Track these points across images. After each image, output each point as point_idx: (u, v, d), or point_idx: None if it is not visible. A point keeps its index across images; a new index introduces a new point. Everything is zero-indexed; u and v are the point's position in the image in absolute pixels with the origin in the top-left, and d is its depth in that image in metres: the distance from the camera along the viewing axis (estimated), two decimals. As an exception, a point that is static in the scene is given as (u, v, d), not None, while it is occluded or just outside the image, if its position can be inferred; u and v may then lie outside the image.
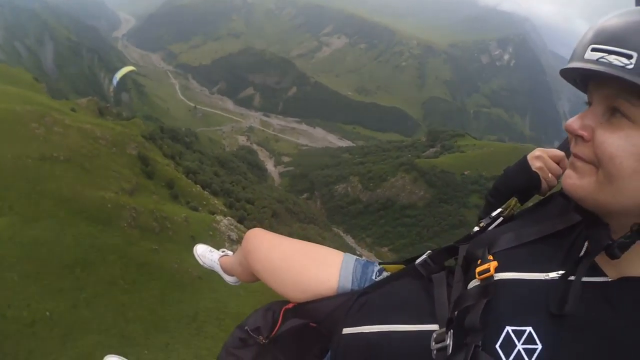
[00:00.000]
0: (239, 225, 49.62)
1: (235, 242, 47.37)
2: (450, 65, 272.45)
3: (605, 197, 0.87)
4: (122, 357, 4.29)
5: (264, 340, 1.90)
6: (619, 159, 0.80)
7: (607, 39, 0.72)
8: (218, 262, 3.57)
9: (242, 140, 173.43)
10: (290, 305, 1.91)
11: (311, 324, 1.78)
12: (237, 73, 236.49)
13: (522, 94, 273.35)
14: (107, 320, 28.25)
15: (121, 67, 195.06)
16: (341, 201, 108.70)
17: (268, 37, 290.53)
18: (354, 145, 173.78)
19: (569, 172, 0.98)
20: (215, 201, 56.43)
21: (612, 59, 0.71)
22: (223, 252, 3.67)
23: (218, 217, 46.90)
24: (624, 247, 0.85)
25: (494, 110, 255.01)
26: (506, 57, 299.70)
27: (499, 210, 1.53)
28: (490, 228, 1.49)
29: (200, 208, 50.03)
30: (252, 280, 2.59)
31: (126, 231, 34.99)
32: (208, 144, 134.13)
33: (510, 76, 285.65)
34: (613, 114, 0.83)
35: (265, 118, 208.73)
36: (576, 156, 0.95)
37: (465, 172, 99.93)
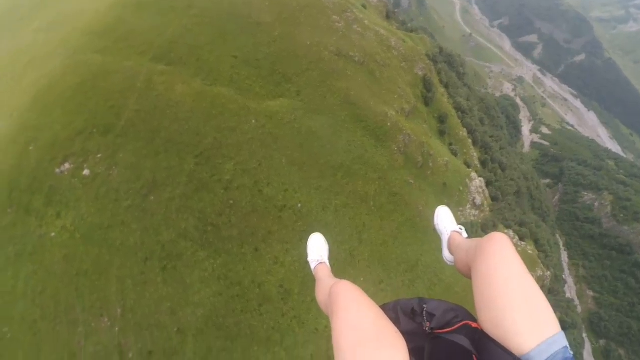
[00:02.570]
0: (485, 190, 45.93)
1: (476, 208, 44.14)
2: None
3: None
4: (324, 240, 4.22)
5: (426, 328, 1.90)
6: None
7: None
8: (449, 234, 3.42)
9: (507, 88, 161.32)
10: (474, 325, 1.81)
11: (475, 356, 1.67)
12: (526, 14, 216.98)
13: None
14: (345, 233, 28.35)
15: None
16: (580, 212, 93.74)
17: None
18: (624, 155, 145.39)
19: None
20: (474, 153, 53.25)
21: None
22: (460, 229, 3.46)
23: (473, 174, 43.92)
24: None
25: None
26: None
27: None
28: None
29: (458, 154, 47.34)
30: (463, 273, 2.45)
31: (394, 155, 34.51)
32: (473, 78, 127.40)
33: None
34: None
35: (539, 75, 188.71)
36: None
37: None
